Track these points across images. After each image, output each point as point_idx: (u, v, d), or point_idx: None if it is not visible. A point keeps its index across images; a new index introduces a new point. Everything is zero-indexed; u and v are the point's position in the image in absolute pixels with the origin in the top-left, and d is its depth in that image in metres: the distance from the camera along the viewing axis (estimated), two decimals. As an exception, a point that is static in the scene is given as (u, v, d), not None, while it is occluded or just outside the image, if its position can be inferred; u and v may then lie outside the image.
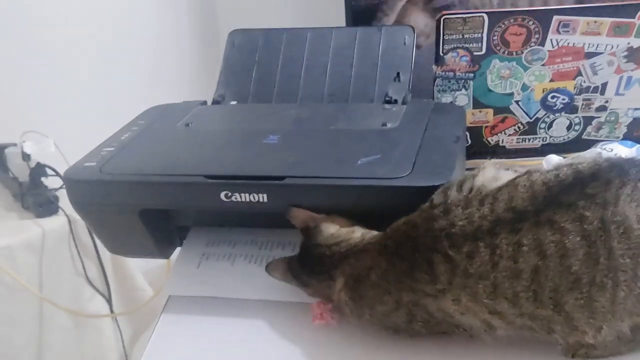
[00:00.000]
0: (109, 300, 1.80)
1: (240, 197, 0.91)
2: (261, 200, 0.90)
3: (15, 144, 1.78)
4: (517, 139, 1.28)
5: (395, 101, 1.15)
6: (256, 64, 1.25)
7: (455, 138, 0.99)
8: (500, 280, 0.70)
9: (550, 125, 1.26)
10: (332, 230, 0.85)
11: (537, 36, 1.18)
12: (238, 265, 0.99)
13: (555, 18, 1.16)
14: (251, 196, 0.90)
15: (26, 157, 1.73)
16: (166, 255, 1.07)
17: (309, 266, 0.85)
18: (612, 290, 0.68)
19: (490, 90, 1.23)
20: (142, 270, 1.90)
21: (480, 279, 0.71)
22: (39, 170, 1.74)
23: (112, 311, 1.81)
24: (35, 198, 1.72)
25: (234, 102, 1.22)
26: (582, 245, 0.68)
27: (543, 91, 1.23)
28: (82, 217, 1.02)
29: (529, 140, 1.28)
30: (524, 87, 1.23)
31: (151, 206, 0.96)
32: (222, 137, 1.08)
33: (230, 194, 0.91)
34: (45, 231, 1.68)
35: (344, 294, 0.82)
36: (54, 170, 1.73)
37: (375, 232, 0.84)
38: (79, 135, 1.21)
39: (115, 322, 1.85)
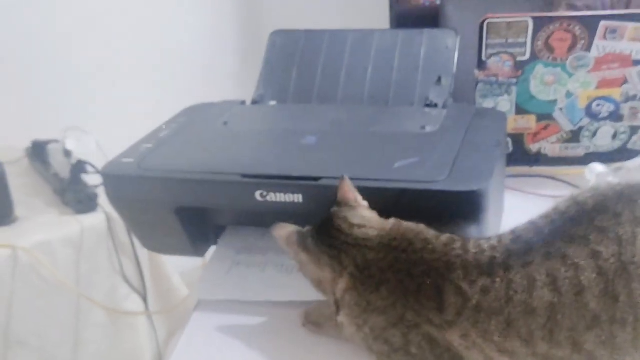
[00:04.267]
0: (144, 299, 1.81)
1: (275, 196, 0.90)
2: (296, 200, 0.90)
3: (57, 141, 1.81)
4: (560, 147, 1.26)
5: (436, 105, 1.13)
6: (297, 64, 1.24)
7: (495, 143, 0.97)
8: (515, 316, 0.68)
9: (594, 134, 1.24)
10: (366, 213, 0.83)
11: (582, 42, 1.16)
12: (268, 273, 0.98)
13: (602, 24, 1.14)
14: (286, 196, 0.90)
15: (67, 153, 1.75)
16: (201, 253, 1.07)
17: (324, 234, 0.81)
18: (634, 324, 0.66)
19: (533, 97, 1.22)
20: (179, 271, 1.91)
21: (494, 315, 0.69)
22: (80, 167, 1.75)
23: (147, 310, 1.82)
24: (75, 194, 1.74)
25: (273, 102, 1.22)
26: (598, 283, 0.66)
27: (588, 99, 1.21)
28: (119, 213, 1.03)
29: (572, 148, 1.25)
30: (568, 94, 1.21)
31: (187, 204, 0.96)
32: (259, 137, 1.07)
33: (265, 193, 0.90)
34: (84, 228, 1.69)
35: (349, 297, 0.78)
36: (94, 167, 1.75)
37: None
38: (120, 133, 1.22)
39: (150, 321, 1.85)
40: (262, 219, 0.99)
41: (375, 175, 0.89)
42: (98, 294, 1.72)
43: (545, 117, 1.23)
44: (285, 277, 0.97)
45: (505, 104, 1.22)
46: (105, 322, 1.76)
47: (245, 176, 0.91)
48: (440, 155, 0.93)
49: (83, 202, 1.73)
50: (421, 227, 0.79)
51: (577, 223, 0.70)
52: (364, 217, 0.82)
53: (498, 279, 0.69)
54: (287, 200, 0.90)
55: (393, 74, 1.19)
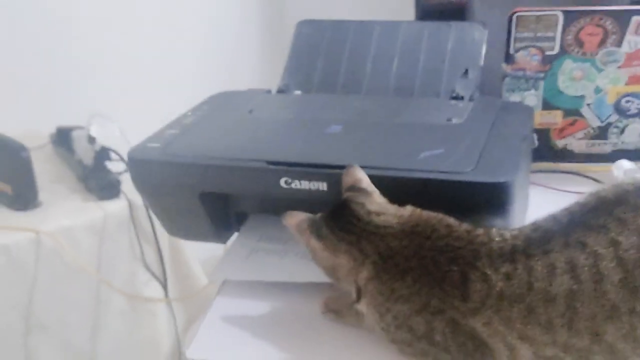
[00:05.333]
0: (164, 286, 1.82)
1: (300, 184, 0.90)
2: (321, 188, 0.90)
3: (81, 127, 1.81)
4: (587, 143, 1.24)
5: (462, 97, 1.12)
6: (322, 54, 1.24)
7: (522, 137, 0.97)
8: (535, 303, 0.68)
9: (622, 131, 1.22)
10: (381, 200, 0.82)
11: (613, 37, 1.14)
12: (288, 260, 0.98)
13: (635, 19, 1.13)
14: (311, 184, 0.90)
15: (92, 140, 1.76)
16: (223, 240, 1.07)
17: (340, 221, 0.80)
18: None
19: (560, 92, 1.20)
20: (200, 260, 1.91)
21: (515, 302, 0.68)
22: (104, 153, 1.76)
23: (167, 297, 1.82)
24: (98, 181, 1.75)
25: (298, 92, 1.21)
26: (617, 272, 0.66)
27: (617, 95, 1.19)
28: (143, 197, 1.03)
29: (599, 145, 1.24)
30: (597, 90, 1.19)
31: (211, 189, 0.96)
32: (284, 125, 1.07)
33: (290, 180, 0.90)
34: (107, 214, 1.70)
35: (372, 286, 0.77)
36: (117, 154, 1.75)
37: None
38: (144, 121, 1.22)
39: (170, 308, 1.86)
40: (286, 207, 1.00)
41: (400, 165, 0.88)
42: (118, 280, 1.73)
43: (572, 112, 1.22)
44: (305, 263, 0.96)
45: (532, 98, 1.21)
46: (125, 308, 1.77)
47: (270, 163, 0.91)
48: (466, 147, 0.92)
49: (106, 188, 1.74)
50: (441, 215, 0.78)
51: (597, 213, 0.71)
52: (379, 203, 0.81)
53: (520, 266, 0.69)
54: (312, 188, 0.90)
55: (419, 65, 1.19)
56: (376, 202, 0.82)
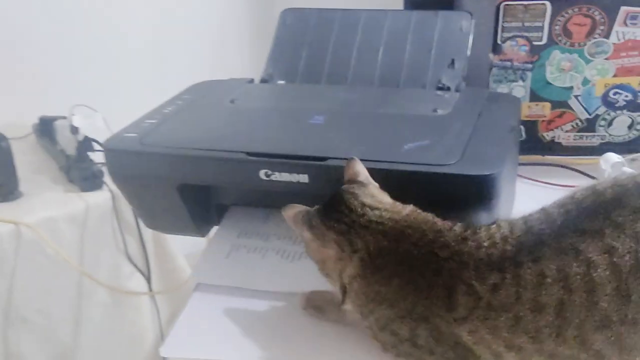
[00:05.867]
0: (148, 279, 1.80)
1: (280, 176, 0.88)
2: (301, 180, 0.87)
3: (64, 117, 1.79)
4: (575, 135, 1.22)
5: (449, 88, 1.10)
6: (307, 43, 1.21)
7: (509, 128, 0.95)
8: (523, 313, 0.65)
9: (610, 123, 1.20)
10: (377, 193, 0.79)
11: (602, 27, 1.12)
12: (268, 259, 0.96)
13: (623, 9, 1.11)
14: (291, 176, 0.88)
15: (74, 130, 1.73)
16: (203, 233, 1.04)
17: (332, 211, 0.77)
18: None
19: (548, 83, 1.19)
20: (184, 252, 1.88)
21: (503, 312, 0.66)
22: (86, 144, 1.73)
23: (150, 289, 1.80)
24: (80, 172, 1.72)
25: (281, 82, 1.19)
26: (611, 280, 0.63)
27: (605, 86, 1.18)
28: (120, 189, 1.01)
29: (587, 137, 1.22)
30: (585, 82, 1.17)
31: (190, 181, 0.94)
32: (266, 115, 1.05)
33: (270, 172, 0.88)
34: (89, 205, 1.68)
35: (357, 285, 0.75)
36: (100, 144, 1.72)
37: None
38: (127, 111, 1.19)
39: (153, 301, 1.84)
40: (266, 199, 0.98)
41: (383, 156, 0.86)
42: (101, 273, 1.71)
43: (560, 104, 1.20)
44: (286, 264, 0.94)
45: (519, 89, 1.19)
46: (108, 301, 1.74)
47: (250, 154, 0.89)
48: (452, 139, 0.90)
49: (88, 179, 1.71)
50: (434, 218, 0.75)
51: (593, 215, 0.67)
52: (375, 196, 0.78)
53: (509, 276, 0.66)
54: (292, 180, 0.88)
55: (405, 55, 1.16)
56: (371, 194, 0.79)
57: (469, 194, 0.83)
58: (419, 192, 0.81)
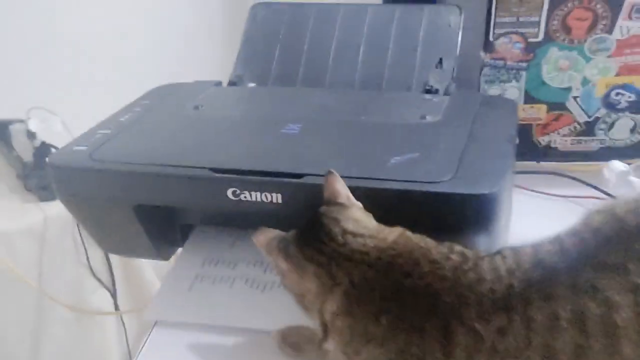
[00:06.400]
0: (113, 295, 1.68)
1: (251, 195, 0.77)
2: (274, 200, 0.77)
3: (21, 121, 1.66)
4: (572, 140, 1.13)
5: (437, 91, 1.00)
6: (280, 42, 1.11)
7: (507, 137, 0.84)
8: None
9: (611, 126, 1.11)
10: (360, 216, 0.69)
11: (604, 22, 1.03)
12: (237, 289, 0.84)
13: (629, 1, 1.01)
14: (263, 195, 0.77)
15: (31, 135, 1.61)
16: (165, 256, 0.93)
17: (310, 237, 0.67)
18: None
19: (544, 84, 1.09)
20: (152, 265, 1.76)
21: (510, 358, 0.56)
22: (44, 150, 1.61)
23: (116, 306, 1.68)
24: (38, 180, 1.60)
25: (252, 84, 1.08)
26: (636, 324, 0.54)
27: (606, 87, 1.08)
28: (69, 210, 0.89)
29: (585, 142, 1.13)
30: (585, 82, 1.08)
31: (147, 202, 0.83)
32: (234, 124, 0.93)
33: (238, 191, 0.77)
34: (48, 217, 1.55)
35: (340, 322, 0.64)
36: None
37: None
38: (89, 114, 1.08)
39: (120, 318, 1.72)
40: (237, 219, 0.87)
41: (367, 173, 0.76)
42: (62, 289, 1.59)
43: (557, 106, 1.10)
44: (257, 295, 0.83)
45: (513, 91, 1.09)
46: (70, 319, 1.62)
47: (215, 171, 0.78)
48: (444, 151, 0.80)
49: (47, 188, 1.58)
50: (429, 244, 0.65)
51: (613, 247, 0.57)
52: (359, 221, 0.68)
53: (516, 317, 0.56)
54: (264, 200, 0.77)
55: (388, 55, 1.06)
56: (354, 219, 0.68)
57: (465, 215, 0.73)
58: (407, 213, 0.71)
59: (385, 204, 0.73)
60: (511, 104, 0.99)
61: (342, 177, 0.73)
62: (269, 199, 0.77)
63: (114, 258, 1.68)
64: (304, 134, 0.86)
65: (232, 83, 1.09)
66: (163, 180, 0.80)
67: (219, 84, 1.09)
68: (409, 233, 0.66)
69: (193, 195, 0.80)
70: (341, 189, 0.71)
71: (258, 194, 0.77)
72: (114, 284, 1.68)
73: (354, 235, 0.66)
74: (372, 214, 0.70)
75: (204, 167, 0.78)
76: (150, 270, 1.74)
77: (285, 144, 0.84)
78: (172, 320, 0.82)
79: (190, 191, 0.80)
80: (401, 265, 0.63)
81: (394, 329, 0.61)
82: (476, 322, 0.57)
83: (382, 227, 0.68)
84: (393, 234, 0.66)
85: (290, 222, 0.70)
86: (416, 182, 0.73)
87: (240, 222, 0.88)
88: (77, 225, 1.60)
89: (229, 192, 0.77)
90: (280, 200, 0.76)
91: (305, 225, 0.68)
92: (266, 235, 0.70)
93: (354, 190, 0.73)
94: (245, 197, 0.77)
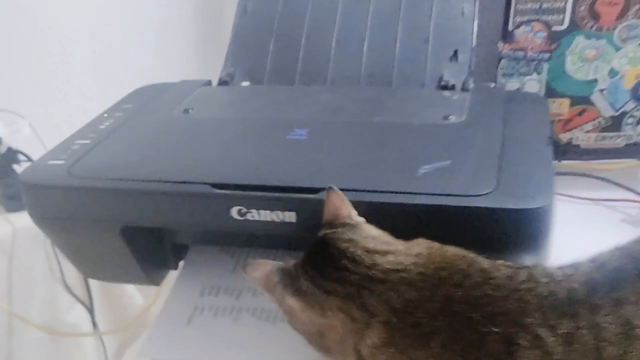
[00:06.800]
0: (91, 312, 1.55)
1: (259, 215, 0.66)
2: (287, 220, 0.66)
3: (-15, 125, 1.53)
4: (596, 136, 1.03)
5: (453, 86, 0.90)
6: (274, 35, 1.00)
7: (546, 140, 0.74)
8: None
9: (639, 121, 1.01)
10: (376, 232, 0.59)
11: (637, 7, 0.93)
12: (244, 323, 0.73)
13: (665, -16, 0.91)
14: (274, 214, 0.66)
15: (-4, 140, 1.48)
16: (156, 281, 0.82)
17: (326, 267, 0.56)
18: None
19: (568, 76, 1.00)
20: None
21: None
22: (11, 156, 1.48)
23: (94, 322, 1.56)
24: (5, 189, 1.46)
25: (246, 83, 0.97)
26: None
27: (636, 78, 1.00)
28: (46, 234, 0.77)
29: (611, 138, 1.03)
30: (612, 73, 0.99)
31: (137, 222, 0.71)
32: (232, 130, 0.82)
33: (245, 210, 0.67)
34: (16, 229, 1.42)
35: (384, 356, 0.53)
36: (27, 157, 1.47)
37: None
38: (60, 117, 0.97)
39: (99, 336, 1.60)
40: (237, 239, 0.76)
41: (394, 186, 0.65)
42: (34, 307, 1.46)
43: (581, 100, 1.01)
44: (266, 328, 0.72)
45: (533, 84, 0.99)
46: (44, 339, 1.49)
47: (217, 186, 0.67)
48: (478, 157, 0.69)
49: (14, 198, 1.45)
50: (469, 254, 0.55)
51: None
52: (377, 238, 0.58)
53: (583, 323, 0.48)
54: (275, 219, 0.66)
55: (396, 47, 0.95)
56: (372, 236, 0.58)
57: (512, 232, 0.62)
58: (442, 233, 0.60)
59: (415, 221, 0.64)
60: (541, 100, 0.89)
61: (363, 192, 0.63)
62: (281, 218, 0.66)
63: (91, 271, 1.56)
64: (313, 139, 0.75)
65: (223, 82, 0.98)
66: (155, 199, 0.69)
67: (208, 83, 0.98)
68: (432, 243, 0.57)
69: (191, 215, 0.69)
70: (343, 207, 0.61)
71: (268, 212, 0.66)
72: (91, 300, 1.55)
73: (381, 253, 0.56)
74: (398, 231, 0.59)
75: (203, 183, 0.67)
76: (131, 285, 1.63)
77: (294, 153, 0.73)
78: (169, 358, 0.71)
79: (187, 210, 0.69)
80: (447, 279, 0.53)
81: (447, 349, 0.51)
82: (540, 329, 0.49)
83: (401, 241, 0.58)
84: (420, 245, 0.57)
85: (304, 243, 0.60)
86: (451, 195, 0.63)
87: (243, 242, 0.77)
88: (50, 238, 1.47)
89: (234, 212, 0.67)
90: (294, 220, 0.66)
91: (312, 253, 0.58)
92: (261, 270, 0.60)
93: (377, 208, 0.63)
94: (252, 216, 0.67)
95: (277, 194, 0.66)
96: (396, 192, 0.64)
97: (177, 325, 0.73)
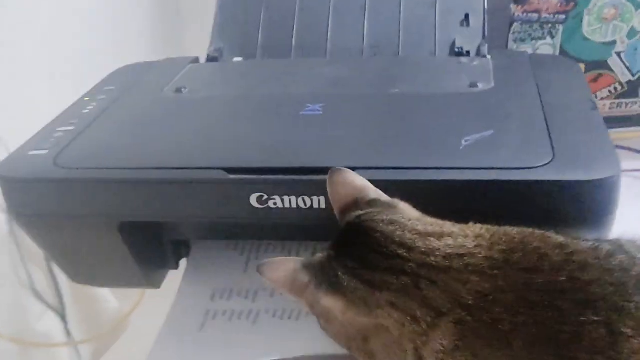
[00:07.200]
0: (63, 319, 1.44)
1: (283, 202, 0.57)
2: (316, 205, 0.57)
3: None
4: (612, 103, 0.96)
5: (468, 53, 0.82)
6: (264, 4, 0.90)
7: (590, 105, 0.67)
8: None
9: (657, 86, 0.95)
10: (416, 213, 0.51)
11: (662, -40, 0.86)
12: (263, 326, 0.64)
13: None
14: (300, 200, 0.57)
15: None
16: (156, 283, 0.73)
17: (368, 257, 0.47)
18: None
19: (585, 39, 0.92)
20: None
21: None
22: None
23: (67, 330, 1.45)
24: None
25: (238, 59, 0.88)
26: None
27: (657, 38, 0.92)
28: (30, 235, 0.67)
29: (628, 105, 0.97)
30: (632, 33, 0.92)
31: (139, 217, 0.62)
32: (236, 109, 0.73)
33: (266, 197, 0.57)
34: (-23, 232, 1.31)
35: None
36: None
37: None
38: (23, 111, 0.87)
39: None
40: (249, 232, 0.68)
41: (438, 160, 0.57)
42: (1, 315, 1.35)
43: (597, 65, 0.94)
44: (291, 325, 0.63)
45: (546, 49, 0.92)
46: (12, 350, 1.38)
47: (232, 171, 0.58)
48: (522, 126, 0.62)
49: (-26, 199, 1.34)
50: (537, 230, 0.47)
51: None
52: (421, 219, 0.49)
53: None
54: (302, 206, 0.57)
55: (400, 12, 0.87)
56: (414, 216, 0.50)
57: (576, 207, 0.55)
58: (491, 211, 0.52)
59: (462, 201, 0.56)
60: (571, 64, 0.81)
61: (405, 169, 0.55)
62: (309, 204, 0.57)
63: (61, 276, 1.45)
64: (330, 115, 0.66)
65: (211, 59, 0.88)
66: (161, 189, 0.59)
67: (195, 60, 0.88)
68: (489, 225, 0.48)
69: (203, 206, 0.60)
70: (364, 183, 0.53)
71: (293, 198, 0.57)
72: (62, 305, 1.44)
73: (437, 236, 0.47)
74: (444, 211, 0.50)
75: (217, 168, 0.58)
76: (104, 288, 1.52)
77: (314, 130, 0.64)
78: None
79: (199, 201, 0.60)
80: (520, 262, 0.44)
81: (534, 349, 0.42)
82: None
83: (452, 223, 0.49)
84: (475, 226, 0.48)
85: (333, 232, 0.51)
86: (506, 169, 0.55)
87: (254, 235, 0.68)
88: (15, 240, 1.36)
89: (253, 199, 0.58)
90: (323, 205, 0.57)
91: (346, 243, 0.49)
92: (283, 270, 0.50)
93: (424, 186, 0.55)
94: (274, 204, 0.58)
95: (304, 177, 0.57)
96: (440, 169, 0.56)
97: (188, 332, 0.64)
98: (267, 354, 0.61)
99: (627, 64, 0.94)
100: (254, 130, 0.66)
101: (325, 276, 0.48)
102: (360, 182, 0.53)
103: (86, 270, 0.71)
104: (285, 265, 0.50)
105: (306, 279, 0.49)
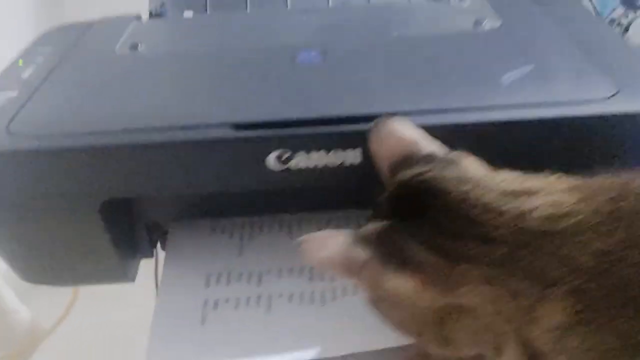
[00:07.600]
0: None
1: (309, 159, 0.48)
2: (348, 162, 0.48)
3: None
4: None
5: (450, -6, 0.75)
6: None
7: (614, 35, 0.61)
8: None
9: (626, 29, 0.91)
10: (483, 169, 0.42)
11: None
12: (278, 312, 0.53)
13: None
14: (330, 156, 0.48)
15: None
16: (132, 275, 0.61)
17: (444, 224, 0.38)
18: None
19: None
20: (12, 285, 1.34)
21: None
22: None
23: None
24: None
25: (188, 13, 0.76)
26: None
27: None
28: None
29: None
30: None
31: (128, 193, 0.50)
32: (217, 63, 0.61)
33: (288, 155, 0.47)
34: None
35: (574, 342, 0.35)
36: None
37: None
38: None
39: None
40: (269, 203, 0.58)
41: (486, 100, 0.49)
42: None
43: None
44: (317, 311, 0.53)
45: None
46: None
47: (243, 127, 0.47)
48: (564, 60, 0.55)
49: None
50: (613, 177, 0.39)
51: None
52: (497, 176, 0.40)
53: None
54: (333, 162, 0.48)
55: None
56: (491, 174, 0.41)
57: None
58: (556, 153, 0.45)
59: (523, 144, 0.48)
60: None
61: (449, 111, 0.47)
62: (340, 161, 0.48)
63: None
64: (334, 62, 0.57)
65: (155, 14, 0.76)
66: (157, 155, 0.48)
67: (137, 18, 0.75)
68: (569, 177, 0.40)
69: (206, 172, 0.49)
70: (417, 135, 0.44)
71: (323, 154, 0.48)
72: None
73: (528, 194, 0.39)
74: (501, 156, 0.42)
75: (222, 124, 0.48)
76: (11, 293, 1.34)
77: (326, 78, 0.54)
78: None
79: (201, 165, 0.49)
80: (636, 212, 0.36)
81: None
82: None
83: (531, 176, 0.41)
84: (559, 178, 0.40)
85: (370, 193, 0.42)
86: (566, 104, 0.48)
87: (269, 205, 0.58)
88: None
89: (271, 159, 0.47)
90: (358, 160, 0.48)
91: (407, 210, 0.40)
92: (333, 246, 0.41)
93: (473, 128, 0.47)
94: (297, 163, 0.48)
95: (334, 128, 0.47)
96: (484, 108, 0.48)
97: (187, 328, 0.52)
98: (295, 343, 0.50)
99: (596, 7, 0.89)
100: (251, 83, 0.55)
101: (391, 250, 0.39)
102: (411, 133, 0.44)
103: (46, 265, 0.58)
104: (334, 240, 0.41)
105: (364, 255, 0.39)
